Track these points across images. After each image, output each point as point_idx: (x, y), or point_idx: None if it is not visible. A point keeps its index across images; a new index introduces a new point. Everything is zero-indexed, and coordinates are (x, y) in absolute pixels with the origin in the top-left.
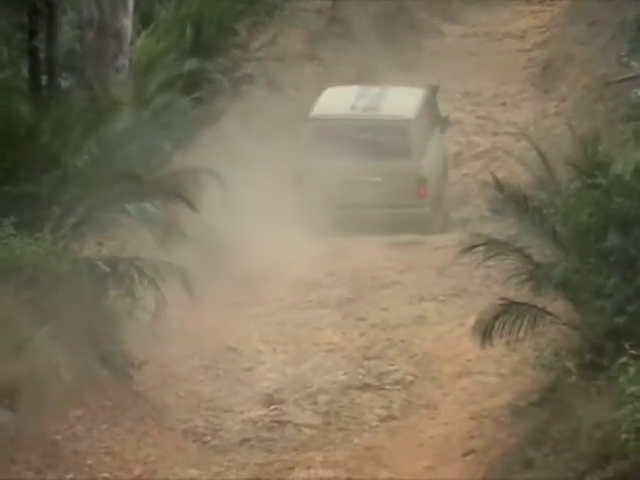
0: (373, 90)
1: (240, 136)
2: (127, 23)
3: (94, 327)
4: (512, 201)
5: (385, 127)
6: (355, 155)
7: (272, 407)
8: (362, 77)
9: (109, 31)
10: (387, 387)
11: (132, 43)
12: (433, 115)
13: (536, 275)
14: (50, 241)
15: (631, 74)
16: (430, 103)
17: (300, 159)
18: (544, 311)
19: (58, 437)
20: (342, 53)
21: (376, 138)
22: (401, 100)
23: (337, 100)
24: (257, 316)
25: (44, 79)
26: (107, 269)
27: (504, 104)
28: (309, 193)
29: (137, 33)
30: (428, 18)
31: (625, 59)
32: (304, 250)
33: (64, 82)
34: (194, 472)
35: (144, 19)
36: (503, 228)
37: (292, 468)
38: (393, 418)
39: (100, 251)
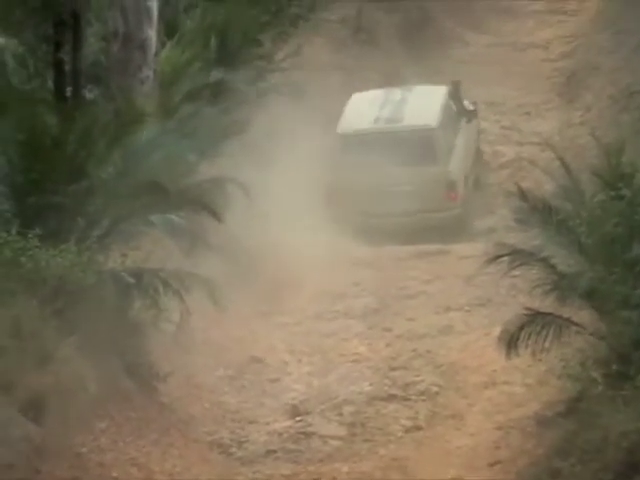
0: (396, 94)
1: (266, 146)
2: (152, 34)
3: (119, 338)
4: (537, 211)
5: (409, 137)
6: (384, 166)
7: (298, 418)
8: (388, 86)
9: (134, 42)
10: (413, 398)
11: (157, 54)
12: (458, 111)
13: (561, 285)
14: (75, 253)
15: None
16: (454, 99)
17: (330, 173)
18: (570, 321)
19: (83, 449)
20: (367, 62)
21: (402, 148)
22: (424, 105)
23: (361, 112)
24: (283, 326)
25: (69, 90)
26: (132, 280)
27: (528, 114)
28: (340, 205)
29: (162, 44)
30: (453, 27)
31: None
32: (330, 260)
33: (89, 94)
34: None
35: (169, 29)
36: (528, 238)
37: (318, 479)
38: (419, 429)
39: (124, 262)
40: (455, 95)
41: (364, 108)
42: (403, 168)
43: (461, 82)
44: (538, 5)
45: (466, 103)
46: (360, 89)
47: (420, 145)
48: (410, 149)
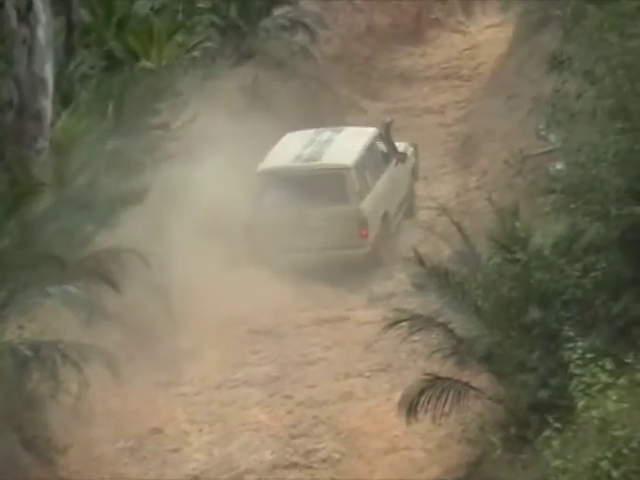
0: (325, 135)
1: (163, 214)
2: (47, 104)
3: (16, 411)
4: (434, 276)
5: (324, 176)
6: (301, 203)
7: None
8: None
9: (29, 113)
10: (314, 465)
11: (52, 124)
12: (386, 152)
13: (460, 349)
14: None
15: (549, 147)
16: (384, 140)
17: (249, 209)
18: (468, 385)
19: None
20: (265, 130)
21: (318, 186)
22: (345, 146)
23: (284, 151)
24: (183, 396)
25: None
26: (29, 353)
27: (425, 178)
28: (258, 241)
29: (57, 113)
30: (349, 94)
31: (543, 132)
32: (230, 328)
33: None
34: None
35: (64, 99)
36: (427, 302)
37: None
38: None
39: (22, 335)
40: (385, 137)
41: (289, 147)
42: (318, 205)
43: (392, 122)
44: (433, 71)
45: (402, 146)
46: (258, 157)
47: (334, 183)
48: (325, 187)
